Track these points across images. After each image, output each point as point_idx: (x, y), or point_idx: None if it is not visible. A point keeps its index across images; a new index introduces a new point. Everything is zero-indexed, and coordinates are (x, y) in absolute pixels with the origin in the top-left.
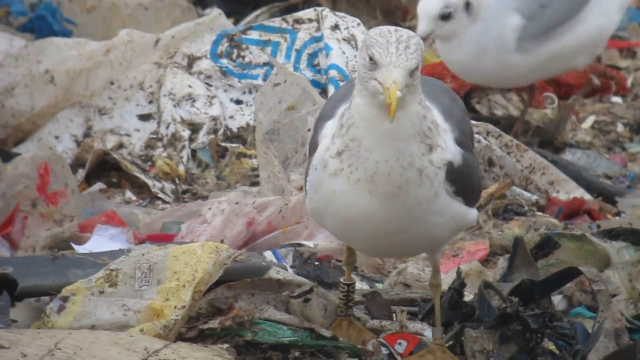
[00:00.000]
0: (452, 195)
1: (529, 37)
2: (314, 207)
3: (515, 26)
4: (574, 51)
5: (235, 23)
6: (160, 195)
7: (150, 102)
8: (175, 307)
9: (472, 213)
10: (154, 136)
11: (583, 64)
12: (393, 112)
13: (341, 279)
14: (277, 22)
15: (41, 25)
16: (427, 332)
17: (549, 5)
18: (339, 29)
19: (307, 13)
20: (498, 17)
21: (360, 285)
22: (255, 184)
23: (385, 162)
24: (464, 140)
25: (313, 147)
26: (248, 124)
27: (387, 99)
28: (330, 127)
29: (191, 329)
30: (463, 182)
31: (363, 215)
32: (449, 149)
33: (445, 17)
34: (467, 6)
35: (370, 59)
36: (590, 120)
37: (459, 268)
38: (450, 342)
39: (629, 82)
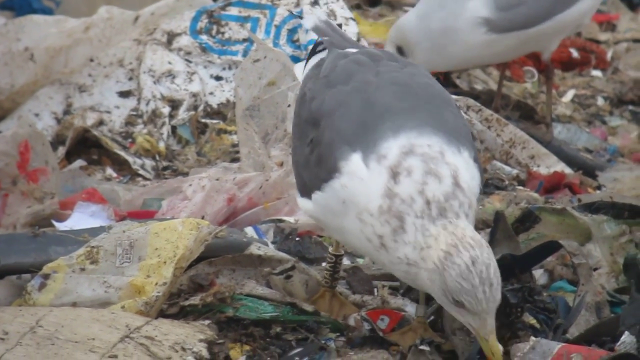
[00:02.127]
0: None
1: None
2: (318, 218)
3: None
4: (551, 35)
5: None
6: (141, 172)
7: (130, 79)
8: (156, 283)
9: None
10: (134, 113)
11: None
12: None
13: (329, 250)
14: None
15: (20, 3)
16: (409, 308)
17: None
18: (319, 5)
19: None
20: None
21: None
22: (235, 160)
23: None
24: (474, 153)
25: (327, 165)
26: (228, 100)
27: (490, 355)
28: (359, 169)
29: (172, 306)
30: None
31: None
32: (476, 182)
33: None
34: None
35: (458, 302)
36: (570, 94)
37: None
38: (432, 318)
39: (608, 55)
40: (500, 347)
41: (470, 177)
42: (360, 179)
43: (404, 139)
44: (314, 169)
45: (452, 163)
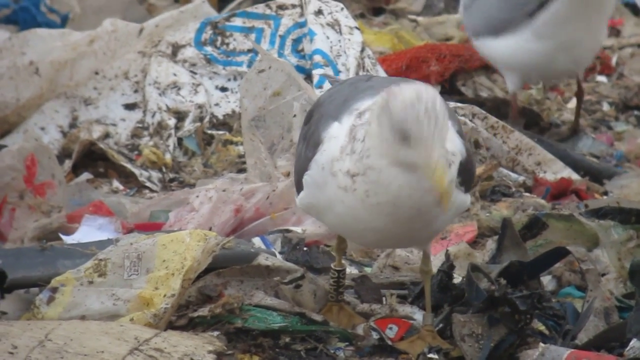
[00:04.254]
0: (457, 187)
1: None
2: (311, 203)
3: None
4: None
5: (219, 10)
6: (148, 184)
7: (136, 91)
8: (164, 295)
9: (468, 198)
10: (140, 125)
11: None
12: (446, 200)
13: (332, 265)
14: (260, 8)
15: (25, 17)
16: (417, 315)
17: None
18: (323, 14)
19: None
20: None
21: (350, 270)
22: (242, 170)
23: (408, 187)
24: (461, 132)
25: (314, 142)
26: (234, 111)
27: (437, 187)
28: (336, 129)
29: (181, 317)
30: (467, 172)
31: (373, 229)
32: (456, 146)
33: None
34: None
35: (402, 135)
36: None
37: (447, 250)
38: (440, 325)
39: (613, 61)
40: (447, 178)
41: (450, 137)
42: (335, 137)
43: (381, 97)
44: (304, 154)
45: None
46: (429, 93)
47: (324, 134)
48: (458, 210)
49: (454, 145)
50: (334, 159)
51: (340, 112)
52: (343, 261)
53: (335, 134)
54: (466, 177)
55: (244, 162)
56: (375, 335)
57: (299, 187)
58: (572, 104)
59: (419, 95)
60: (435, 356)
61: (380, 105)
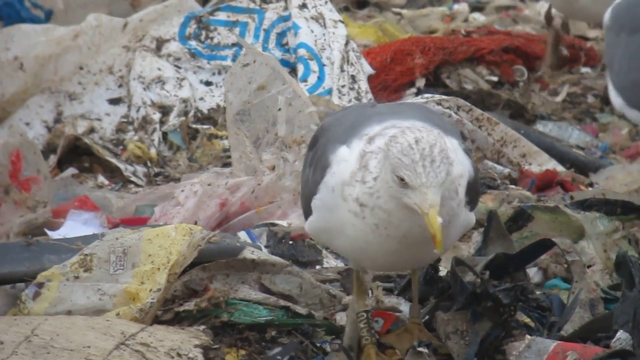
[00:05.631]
0: (465, 206)
1: None
2: (322, 226)
3: None
4: None
5: (203, 4)
6: (133, 178)
7: (120, 86)
8: (150, 290)
9: (473, 217)
10: (125, 120)
11: None
12: (439, 243)
13: (357, 311)
14: (244, 2)
15: (9, 13)
16: (403, 307)
17: None
18: (307, 8)
19: None
20: None
21: (335, 263)
22: (227, 164)
23: (419, 226)
24: (467, 150)
25: (322, 165)
26: (218, 105)
27: (430, 229)
28: (346, 153)
29: (167, 312)
30: (473, 191)
31: (385, 254)
32: (464, 167)
33: None
34: None
35: (401, 179)
36: (564, 91)
37: None
38: (427, 317)
39: (598, 52)
40: (439, 220)
41: (453, 149)
42: (345, 161)
43: (389, 122)
44: (312, 178)
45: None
46: (428, 137)
47: (332, 157)
48: (465, 228)
49: (462, 166)
50: (344, 182)
51: (349, 136)
52: (327, 253)
53: (345, 158)
54: (473, 195)
55: (229, 156)
56: None
57: (307, 212)
58: (561, 96)
59: (417, 140)
60: (425, 350)
61: (383, 150)
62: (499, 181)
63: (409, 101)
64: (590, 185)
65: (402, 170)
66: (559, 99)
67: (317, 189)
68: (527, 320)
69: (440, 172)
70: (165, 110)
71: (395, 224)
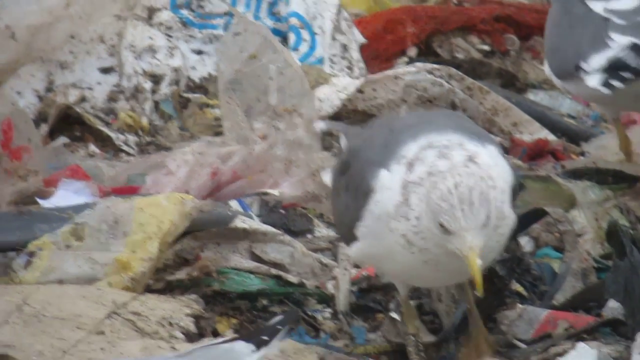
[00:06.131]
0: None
1: None
2: (370, 253)
3: None
4: None
5: None
6: (124, 147)
7: (112, 55)
8: (142, 259)
9: (513, 215)
10: (116, 89)
11: None
12: (479, 286)
13: (406, 333)
14: None
15: None
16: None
17: None
18: None
19: None
20: None
21: (327, 232)
22: (218, 134)
23: (465, 267)
24: (501, 150)
25: (363, 191)
26: (210, 74)
27: (471, 271)
28: (388, 179)
29: (158, 281)
30: (514, 193)
31: (436, 281)
32: (507, 173)
33: None
34: None
35: (441, 225)
36: None
37: None
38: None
39: None
40: (479, 262)
41: (492, 160)
42: (388, 189)
43: (424, 139)
44: (352, 204)
45: (471, 150)
46: (468, 181)
47: (374, 182)
48: (511, 228)
49: (506, 173)
50: (389, 215)
51: (386, 158)
52: (319, 222)
53: (388, 185)
54: (514, 196)
55: (221, 125)
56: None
57: (349, 238)
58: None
59: (456, 185)
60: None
61: (425, 190)
62: None
63: (436, 111)
64: (582, 154)
65: (442, 216)
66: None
67: (360, 215)
68: (520, 289)
69: (479, 215)
70: (156, 79)
71: (444, 263)
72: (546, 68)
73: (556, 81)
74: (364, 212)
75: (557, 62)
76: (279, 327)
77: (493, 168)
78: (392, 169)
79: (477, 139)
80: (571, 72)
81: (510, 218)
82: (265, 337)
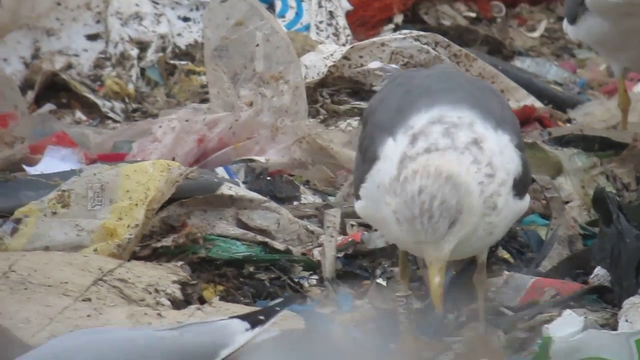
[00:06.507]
0: (512, 198)
1: None
2: (369, 215)
3: None
4: None
5: None
6: (111, 114)
7: (98, 21)
8: (128, 226)
9: (526, 202)
10: (103, 56)
11: None
12: (437, 304)
13: (398, 295)
14: None
15: None
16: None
17: None
18: None
19: None
20: None
21: (313, 199)
22: (205, 100)
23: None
24: (520, 143)
25: (370, 157)
26: (196, 41)
27: (429, 287)
28: (392, 149)
29: (145, 248)
30: (522, 183)
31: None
32: (513, 165)
33: None
34: None
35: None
36: (542, 26)
37: None
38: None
39: None
40: (437, 280)
41: (498, 148)
42: (390, 159)
43: (436, 111)
44: (361, 165)
45: (479, 132)
46: (433, 185)
47: (380, 151)
48: (516, 215)
49: (511, 164)
50: (385, 187)
51: (395, 125)
52: (306, 190)
53: (390, 155)
54: (520, 187)
55: (207, 92)
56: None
57: (356, 195)
58: (539, 31)
59: (420, 190)
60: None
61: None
62: None
63: (465, 77)
64: (568, 121)
65: (404, 224)
66: (536, 34)
67: (364, 178)
68: (506, 255)
69: (437, 229)
70: (143, 46)
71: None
72: (564, 24)
73: (570, 31)
74: (367, 177)
75: (567, 8)
76: (278, 308)
77: (496, 156)
78: (398, 139)
79: (492, 121)
80: (578, 9)
81: (507, 209)
82: (261, 317)
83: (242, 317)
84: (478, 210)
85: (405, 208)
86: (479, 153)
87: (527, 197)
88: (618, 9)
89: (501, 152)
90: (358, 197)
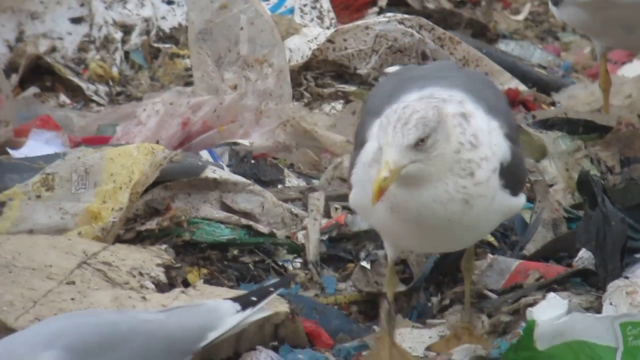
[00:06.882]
0: (502, 189)
1: None
2: (358, 203)
3: None
4: None
5: None
6: (95, 97)
7: (82, 5)
8: (112, 209)
9: (520, 201)
10: (87, 39)
11: None
12: (374, 195)
13: (386, 300)
14: None
15: None
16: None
17: None
18: None
19: None
20: None
21: (297, 182)
22: (189, 84)
23: (425, 206)
24: (512, 134)
25: (360, 140)
26: (180, 24)
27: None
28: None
29: (129, 231)
30: (512, 175)
31: (409, 237)
32: (500, 149)
33: None
34: None
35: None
36: (526, 10)
37: None
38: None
39: None
40: (384, 174)
41: (487, 127)
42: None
43: (428, 91)
44: (353, 153)
45: (468, 109)
46: (419, 106)
47: (369, 133)
48: (505, 213)
49: (498, 149)
50: (369, 162)
51: (384, 108)
52: (290, 173)
53: (375, 135)
54: (511, 179)
55: (191, 75)
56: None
57: (348, 185)
58: (523, 14)
59: (406, 106)
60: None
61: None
62: None
63: (468, 72)
64: (553, 104)
65: (380, 131)
66: (520, 17)
67: (354, 162)
68: (491, 239)
69: (408, 134)
70: (127, 30)
71: (403, 206)
72: (550, 4)
73: (556, 13)
74: (357, 161)
75: None
76: (271, 289)
77: (483, 133)
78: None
79: (484, 106)
80: None
81: (491, 191)
82: (254, 298)
83: (234, 299)
84: (451, 148)
85: (386, 117)
86: (465, 123)
87: (523, 197)
88: (592, 4)
89: (489, 132)
90: (350, 187)
